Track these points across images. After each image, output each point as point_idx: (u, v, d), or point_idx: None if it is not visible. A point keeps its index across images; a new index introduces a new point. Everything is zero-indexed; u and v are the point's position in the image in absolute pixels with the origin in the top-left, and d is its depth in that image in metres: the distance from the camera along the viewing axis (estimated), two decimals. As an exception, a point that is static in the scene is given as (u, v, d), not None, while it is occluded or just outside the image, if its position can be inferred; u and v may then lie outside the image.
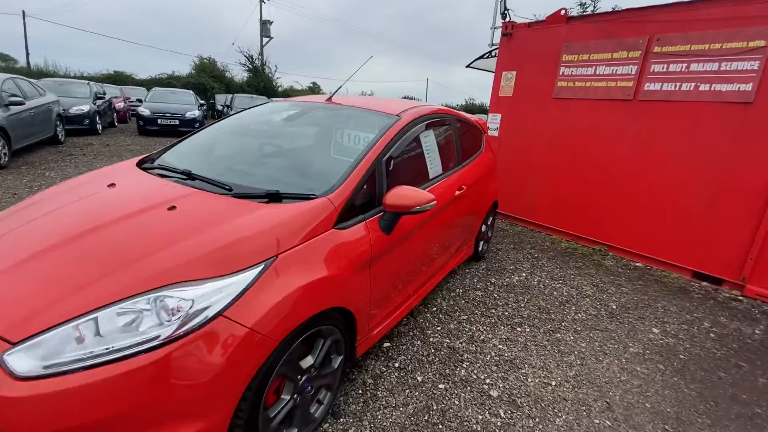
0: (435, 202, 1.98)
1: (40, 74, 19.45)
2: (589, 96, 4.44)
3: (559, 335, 2.71)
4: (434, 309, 2.90)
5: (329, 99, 2.70)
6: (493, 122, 5.47)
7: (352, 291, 1.79)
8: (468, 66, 6.64)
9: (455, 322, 2.74)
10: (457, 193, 2.78)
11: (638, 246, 4.24)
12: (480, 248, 3.83)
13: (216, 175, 1.96)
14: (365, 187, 1.95)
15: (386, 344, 2.43)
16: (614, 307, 3.20)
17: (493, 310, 2.95)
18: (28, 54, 24.34)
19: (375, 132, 2.18)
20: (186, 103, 12.49)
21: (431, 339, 2.52)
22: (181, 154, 2.34)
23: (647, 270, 4.05)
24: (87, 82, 11.85)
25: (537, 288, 3.41)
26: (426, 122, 2.59)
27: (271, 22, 25.35)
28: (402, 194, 1.91)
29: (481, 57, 6.25)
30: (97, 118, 10.67)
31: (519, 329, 2.73)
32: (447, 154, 2.94)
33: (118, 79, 21.64)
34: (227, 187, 1.81)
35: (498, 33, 5.35)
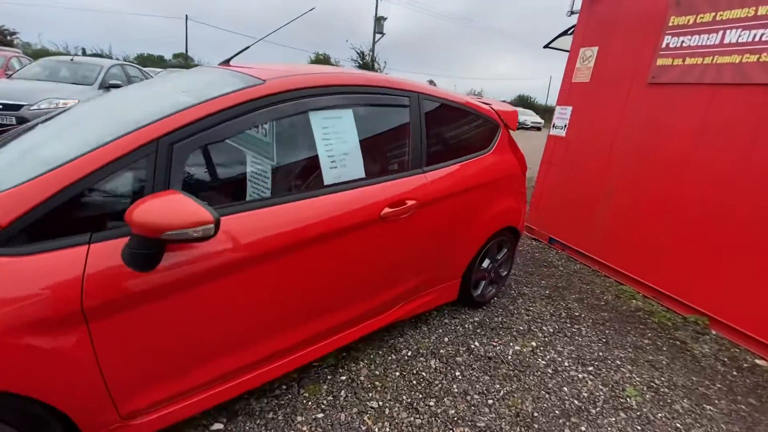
0: (213, 225, 1.10)
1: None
2: (707, 79, 2.80)
3: (518, 482, 1.52)
4: (344, 378, 1.96)
5: (225, 63, 1.97)
6: (560, 118, 4.03)
7: (26, 365, 1.05)
8: (546, 46, 5.13)
9: (355, 411, 1.77)
10: (387, 210, 1.78)
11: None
12: (480, 291, 2.67)
13: None
14: (114, 187, 1.18)
15: (217, 426, 1.62)
16: (669, 443, 1.79)
17: (431, 403, 1.86)
18: (186, 51, 29.12)
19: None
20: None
21: (292, 433, 1.62)
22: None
23: (777, 377, 2.35)
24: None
25: (540, 373, 2.16)
26: (330, 96, 1.67)
27: (385, 19, 25.44)
28: (161, 208, 1.09)
29: (564, 33, 4.72)
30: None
31: (452, 450, 1.63)
32: (387, 151, 1.95)
33: (246, 72, 24.30)
34: None
35: (583, -4, 3.87)
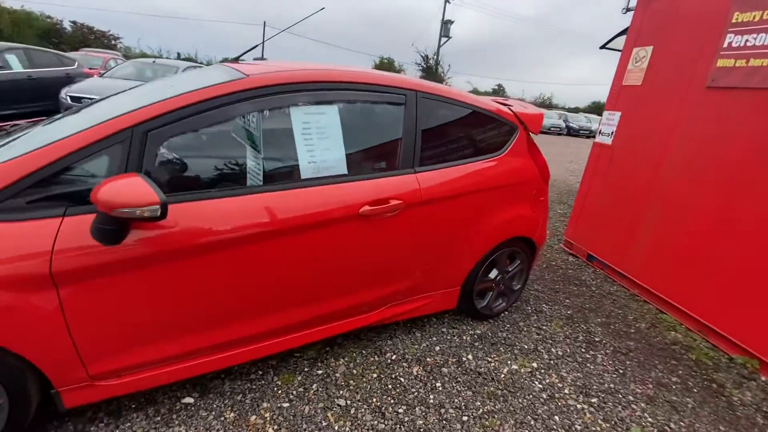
0: (158, 206, 1.18)
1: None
2: (777, 83, 2.40)
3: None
4: (320, 372, 1.97)
5: (234, 60, 2.09)
6: (607, 124, 3.70)
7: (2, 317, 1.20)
8: (603, 47, 4.71)
9: (321, 406, 1.77)
10: (366, 209, 1.76)
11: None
12: (486, 302, 2.54)
13: None
14: (90, 168, 1.31)
15: (188, 400, 1.72)
16: (667, 497, 1.55)
17: (401, 410, 1.80)
18: (263, 56, 31.40)
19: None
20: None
21: (255, 418, 1.67)
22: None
23: (840, 443, 1.93)
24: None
25: (531, 396, 1.99)
26: (313, 92, 1.69)
27: (452, 22, 25.18)
28: (116, 188, 1.19)
29: (622, 33, 4.30)
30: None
31: (408, 461, 1.56)
32: (375, 149, 1.94)
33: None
34: None
35: (642, -9, 3.50)
